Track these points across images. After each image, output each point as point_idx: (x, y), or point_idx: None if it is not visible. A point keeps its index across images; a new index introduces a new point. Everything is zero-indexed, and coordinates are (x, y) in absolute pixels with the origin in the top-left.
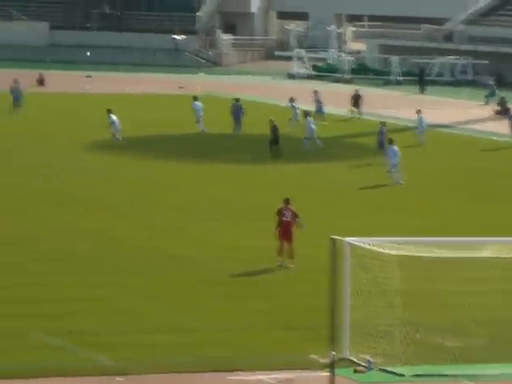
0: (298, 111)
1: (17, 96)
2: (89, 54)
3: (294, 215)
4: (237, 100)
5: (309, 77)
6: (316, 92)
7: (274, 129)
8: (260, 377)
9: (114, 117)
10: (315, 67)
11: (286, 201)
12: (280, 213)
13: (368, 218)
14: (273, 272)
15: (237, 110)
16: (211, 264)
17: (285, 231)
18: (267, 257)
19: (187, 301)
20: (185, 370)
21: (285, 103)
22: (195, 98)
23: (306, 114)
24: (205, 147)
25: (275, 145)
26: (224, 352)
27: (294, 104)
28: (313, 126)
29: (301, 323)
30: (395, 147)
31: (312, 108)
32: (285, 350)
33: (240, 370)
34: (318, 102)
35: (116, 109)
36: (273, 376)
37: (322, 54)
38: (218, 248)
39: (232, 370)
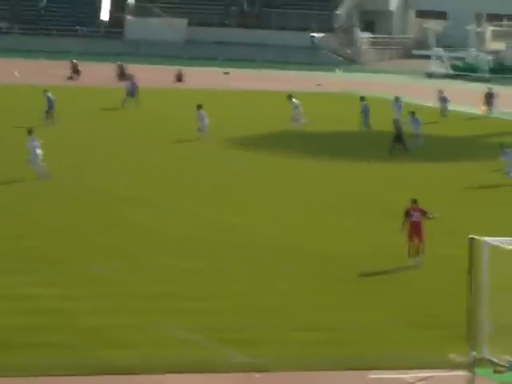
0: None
1: (133, 90)
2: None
3: (423, 213)
4: (362, 98)
5: (447, 76)
6: (441, 91)
7: (398, 126)
8: (399, 375)
9: (203, 112)
10: (453, 66)
11: (414, 201)
12: (408, 213)
13: (500, 216)
14: (409, 270)
15: (365, 108)
16: (348, 261)
17: (415, 231)
18: (403, 254)
19: (325, 298)
20: (323, 368)
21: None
22: (199, 107)
23: (412, 112)
24: (338, 145)
25: (398, 142)
26: (362, 350)
27: (400, 103)
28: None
29: (437, 322)
30: None
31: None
32: (422, 349)
33: (378, 369)
34: (443, 101)
35: (252, 105)
36: (412, 375)
37: (460, 53)
38: (355, 245)
39: (370, 369)
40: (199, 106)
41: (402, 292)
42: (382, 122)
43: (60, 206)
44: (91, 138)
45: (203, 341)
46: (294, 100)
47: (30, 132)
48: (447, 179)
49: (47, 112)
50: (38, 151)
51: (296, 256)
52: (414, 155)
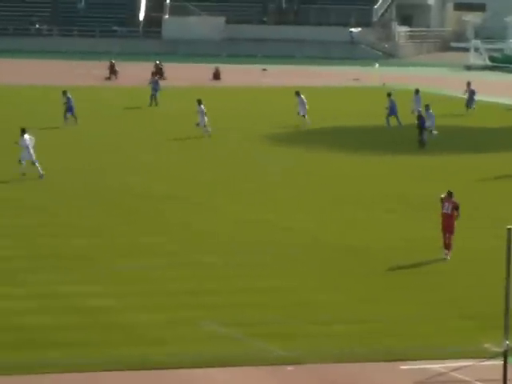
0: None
1: (155, 88)
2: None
3: (455, 207)
4: (389, 94)
5: (485, 68)
6: (469, 83)
7: (420, 119)
8: (432, 366)
9: (202, 107)
10: (492, 58)
11: (449, 194)
12: (442, 204)
13: None
14: (443, 263)
15: (391, 104)
16: (384, 255)
17: (445, 223)
18: (434, 247)
19: (357, 292)
20: (357, 360)
21: (460, 93)
22: (199, 102)
23: (426, 105)
24: (370, 139)
25: (420, 135)
26: (399, 342)
27: (418, 96)
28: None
29: (474, 313)
30: None
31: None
32: (457, 340)
33: (413, 360)
34: (471, 93)
35: (287, 101)
36: (445, 365)
37: (499, 45)
38: (387, 239)
39: (404, 360)
40: (199, 101)
41: (434, 285)
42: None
43: (93, 205)
44: (123, 136)
45: (236, 335)
46: (302, 96)
47: (23, 131)
48: (478, 170)
49: (67, 113)
50: (31, 151)
51: (329, 250)
52: (443, 147)
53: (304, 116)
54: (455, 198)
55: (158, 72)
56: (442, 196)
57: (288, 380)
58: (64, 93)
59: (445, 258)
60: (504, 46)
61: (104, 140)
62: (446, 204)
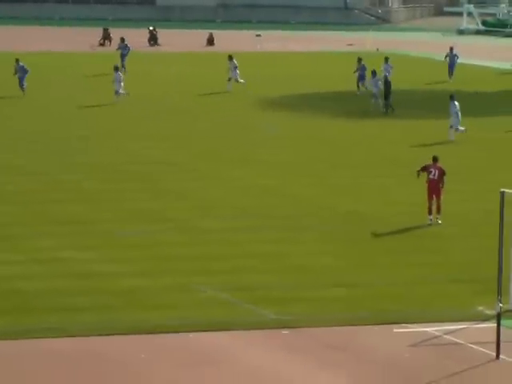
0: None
1: (124, 53)
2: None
3: (442, 173)
4: (359, 59)
5: (478, 32)
6: (451, 48)
7: (386, 83)
8: (426, 329)
9: (234, 61)
10: (484, 22)
11: (435, 159)
12: (426, 170)
13: None
14: (440, 226)
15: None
16: (381, 219)
17: (432, 189)
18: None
19: (357, 256)
20: (353, 324)
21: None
22: (230, 57)
23: (373, 72)
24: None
25: (385, 100)
26: (393, 305)
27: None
28: (378, 86)
29: (469, 276)
30: None
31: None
32: (450, 303)
33: (407, 323)
34: (453, 59)
35: (282, 66)
36: (439, 328)
37: (491, 9)
38: (386, 203)
39: (399, 323)
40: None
41: (429, 248)
42: (415, 81)
43: (94, 170)
44: (120, 102)
45: (232, 300)
46: (234, 61)
47: None
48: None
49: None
50: None
51: (326, 216)
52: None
53: (237, 80)
54: (440, 164)
55: (152, 38)
56: (427, 164)
57: (284, 344)
58: (16, 61)
59: (431, 223)
60: (497, 10)
61: (104, 107)
62: (432, 170)
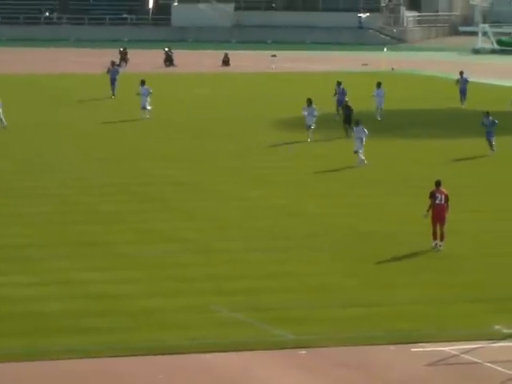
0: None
1: (113, 77)
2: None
3: (447, 197)
4: (339, 83)
5: (493, 51)
6: (461, 73)
7: (347, 108)
8: (443, 348)
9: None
10: (500, 41)
11: (438, 183)
12: (433, 196)
13: None
14: (455, 246)
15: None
16: (396, 238)
17: (438, 214)
18: (452, 231)
19: (373, 275)
20: (370, 343)
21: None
22: (143, 83)
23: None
24: (380, 123)
25: (345, 124)
26: (409, 325)
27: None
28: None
29: (485, 295)
30: None
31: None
32: (468, 322)
33: (423, 342)
34: (464, 83)
35: (298, 86)
36: (456, 347)
37: (506, 29)
38: (403, 222)
39: (416, 342)
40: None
41: (445, 268)
42: (430, 100)
43: (110, 193)
44: (129, 125)
45: (248, 320)
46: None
47: None
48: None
49: None
50: None
51: (340, 235)
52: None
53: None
54: (443, 188)
55: (168, 59)
56: (433, 190)
57: (301, 364)
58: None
59: (437, 249)
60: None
61: (120, 130)
62: (438, 195)
